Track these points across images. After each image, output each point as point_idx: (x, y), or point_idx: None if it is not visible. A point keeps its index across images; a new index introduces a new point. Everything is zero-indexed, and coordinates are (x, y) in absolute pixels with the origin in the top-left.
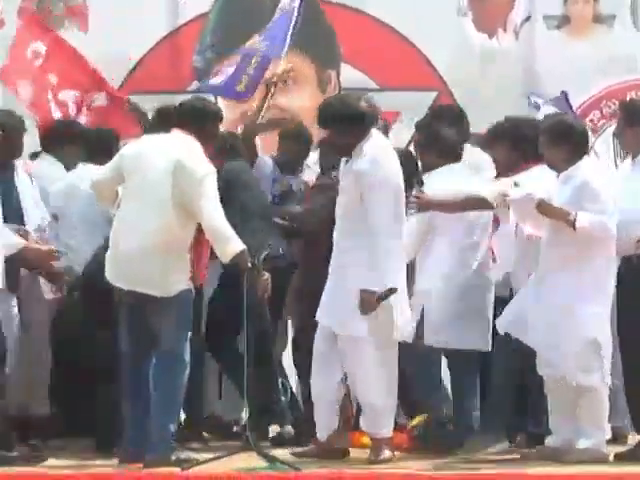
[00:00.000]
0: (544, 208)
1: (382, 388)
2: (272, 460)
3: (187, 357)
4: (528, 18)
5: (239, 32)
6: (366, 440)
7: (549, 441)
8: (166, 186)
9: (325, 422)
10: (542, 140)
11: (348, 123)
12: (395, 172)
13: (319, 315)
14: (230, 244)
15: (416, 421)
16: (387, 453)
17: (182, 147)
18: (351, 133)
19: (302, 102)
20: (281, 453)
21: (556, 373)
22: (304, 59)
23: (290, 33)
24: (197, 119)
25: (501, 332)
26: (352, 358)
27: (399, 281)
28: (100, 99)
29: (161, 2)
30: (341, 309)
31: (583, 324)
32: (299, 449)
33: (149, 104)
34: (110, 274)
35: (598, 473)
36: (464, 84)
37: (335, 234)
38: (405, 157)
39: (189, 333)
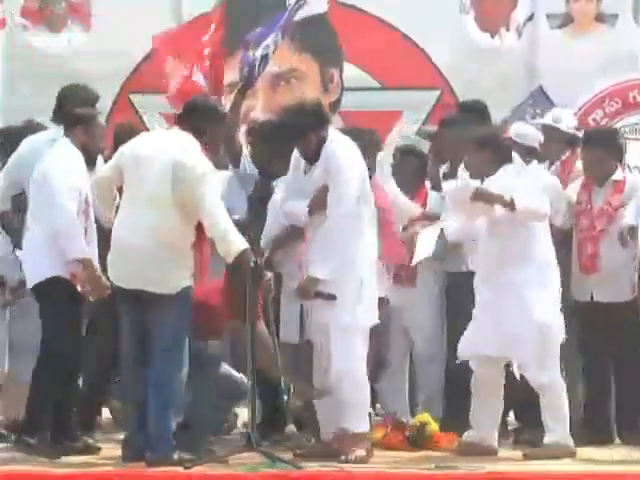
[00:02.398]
0: (480, 194)
1: None
2: (274, 459)
3: (186, 355)
4: (531, 17)
5: (244, 31)
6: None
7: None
8: (165, 184)
9: (329, 421)
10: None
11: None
12: None
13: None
14: (233, 242)
15: (413, 422)
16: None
17: (181, 145)
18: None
19: None
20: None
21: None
22: (307, 58)
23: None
24: (197, 119)
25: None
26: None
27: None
28: None
29: (164, 0)
30: None
31: (534, 310)
32: (302, 449)
33: (151, 102)
34: (111, 274)
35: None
36: (467, 83)
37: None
38: (415, 155)
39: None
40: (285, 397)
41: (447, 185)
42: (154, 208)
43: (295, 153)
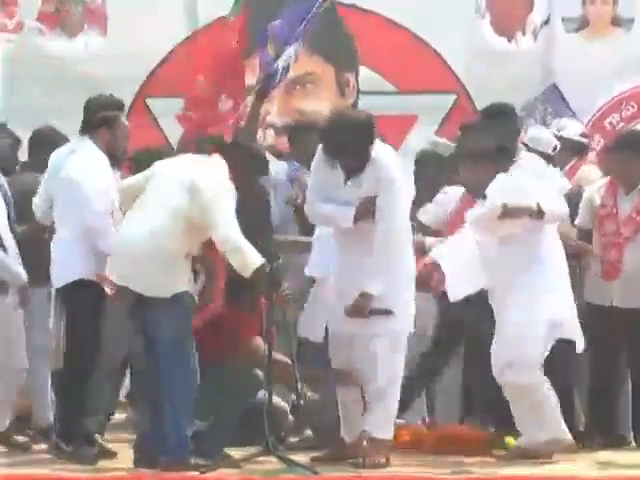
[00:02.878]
0: (509, 212)
1: None
2: (291, 464)
3: (192, 358)
4: (547, 20)
5: (261, 35)
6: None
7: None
8: (176, 196)
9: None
10: (462, 164)
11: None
12: None
13: None
14: (250, 257)
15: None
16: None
17: (203, 165)
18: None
19: (321, 105)
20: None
21: (507, 375)
22: (323, 62)
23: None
24: (237, 162)
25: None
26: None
27: None
28: None
29: (180, 4)
30: None
31: (542, 308)
32: (318, 453)
33: (168, 107)
34: (112, 273)
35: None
36: (482, 87)
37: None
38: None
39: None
40: (301, 401)
41: (471, 212)
42: (159, 213)
43: (318, 157)
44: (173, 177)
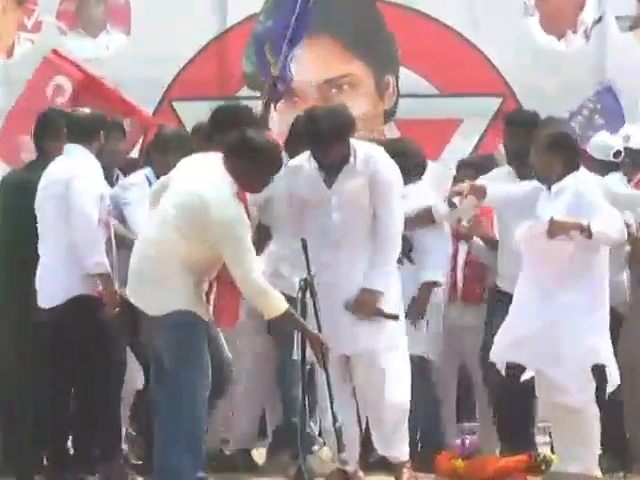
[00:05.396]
0: (556, 228)
1: None
2: None
3: (190, 383)
4: (599, 19)
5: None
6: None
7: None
8: (185, 220)
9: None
10: (535, 150)
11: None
12: None
13: None
14: (273, 299)
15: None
16: None
17: (211, 181)
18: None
19: (358, 107)
20: None
21: (555, 396)
22: (361, 63)
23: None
24: (233, 152)
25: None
26: None
27: None
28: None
29: (208, 2)
30: None
31: (585, 338)
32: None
33: (196, 110)
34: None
35: None
36: (531, 89)
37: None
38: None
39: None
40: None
41: (519, 232)
42: (165, 227)
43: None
44: (182, 188)
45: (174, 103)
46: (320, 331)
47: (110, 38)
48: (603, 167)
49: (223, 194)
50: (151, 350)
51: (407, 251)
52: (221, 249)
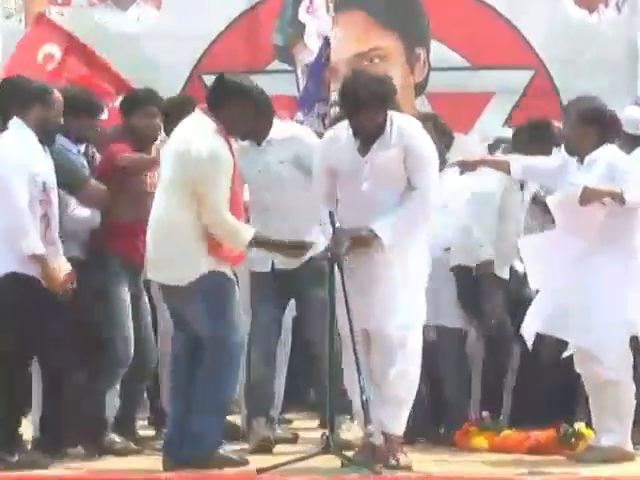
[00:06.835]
0: (590, 196)
1: None
2: (352, 463)
3: (233, 344)
4: None
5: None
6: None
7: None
8: (171, 170)
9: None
10: (568, 122)
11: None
12: None
13: None
14: (241, 235)
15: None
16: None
17: (192, 129)
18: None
19: None
20: None
21: (591, 365)
22: (392, 36)
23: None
24: (217, 98)
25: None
26: None
27: None
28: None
29: None
30: None
31: (621, 308)
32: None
33: None
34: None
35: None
36: (562, 63)
37: None
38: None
39: (233, 316)
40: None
41: (551, 199)
42: (165, 193)
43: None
44: (170, 148)
45: (204, 76)
46: (348, 305)
47: (140, 11)
48: (630, 142)
49: (205, 135)
50: (177, 320)
51: None
52: (198, 188)
